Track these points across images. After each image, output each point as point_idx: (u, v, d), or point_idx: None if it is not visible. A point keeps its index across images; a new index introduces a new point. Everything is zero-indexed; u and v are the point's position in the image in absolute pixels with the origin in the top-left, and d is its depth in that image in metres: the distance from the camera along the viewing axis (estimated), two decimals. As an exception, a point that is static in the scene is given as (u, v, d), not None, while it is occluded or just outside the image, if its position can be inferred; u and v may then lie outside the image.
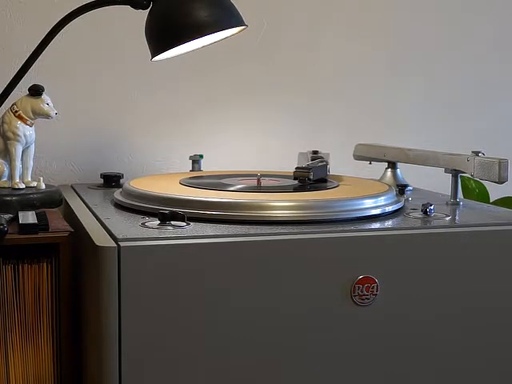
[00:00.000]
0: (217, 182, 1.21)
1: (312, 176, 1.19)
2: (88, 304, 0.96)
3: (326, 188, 1.19)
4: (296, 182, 1.20)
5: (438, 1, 1.71)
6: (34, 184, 1.21)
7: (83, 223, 1.02)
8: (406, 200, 1.22)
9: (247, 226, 0.98)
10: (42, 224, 1.01)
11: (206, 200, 1.04)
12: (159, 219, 0.97)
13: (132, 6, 1.09)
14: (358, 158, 1.49)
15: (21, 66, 1.11)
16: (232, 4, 1.08)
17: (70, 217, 1.14)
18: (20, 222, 1.01)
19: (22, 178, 1.20)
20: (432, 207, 1.09)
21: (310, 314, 0.96)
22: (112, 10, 1.14)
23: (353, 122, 1.66)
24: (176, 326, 0.91)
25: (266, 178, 1.25)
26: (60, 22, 1.09)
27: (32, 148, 1.21)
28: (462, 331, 1.03)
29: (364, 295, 0.97)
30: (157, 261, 0.89)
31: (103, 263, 0.88)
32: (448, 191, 1.25)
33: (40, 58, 1.11)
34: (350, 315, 0.97)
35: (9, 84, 1.11)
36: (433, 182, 1.47)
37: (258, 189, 1.17)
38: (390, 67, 1.69)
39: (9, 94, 1.12)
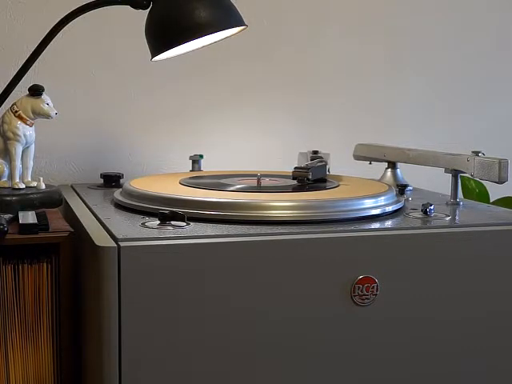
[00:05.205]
0: (217, 181, 1.21)
1: (311, 176, 1.19)
2: (88, 304, 0.96)
3: (325, 188, 1.19)
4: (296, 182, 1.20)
5: (439, 1, 1.71)
6: (34, 184, 1.21)
7: (83, 223, 1.02)
8: (406, 200, 1.22)
9: (247, 226, 0.98)
10: (42, 224, 1.01)
11: (205, 200, 1.03)
12: (159, 219, 0.97)
13: (132, 6, 1.09)
14: (358, 158, 1.49)
15: (21, 66, 1.11)
16: (232, 4, 1.09)
17: (70, 217, 1.14)
18: (20, 222, 1.01)
19: (22, 178, 1.20)
20: (432, 207, 1.09)
21: (310, 314, 0.96)
22: (112, 10, 1.14)
23: (353, 122, 1.66)
24: (176, 326, 0.91)
25: (266, 178, 1.25)
26: (60, 21, 1.09)
27: (32, 148, 1.21)
28: (461, 331, 1.03)
29: (364, 295, 0.97)
30: (157, 261, 0.89)
31: (103, 263, 0.88)
32: (448, 191, 1.25)
33: (40, 57, 1.11)
34: (350, 315, 0.97)
35: (9, 84, 1.11)
36: (433, 182, 1.47)
37: (258, 189, 1.17)
38: (390, 67, 1.69)
39: (9, 94, 1.12)
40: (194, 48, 1.13)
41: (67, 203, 1.21)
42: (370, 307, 0.98)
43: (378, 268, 0.98)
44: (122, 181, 1.36)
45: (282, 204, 1.03)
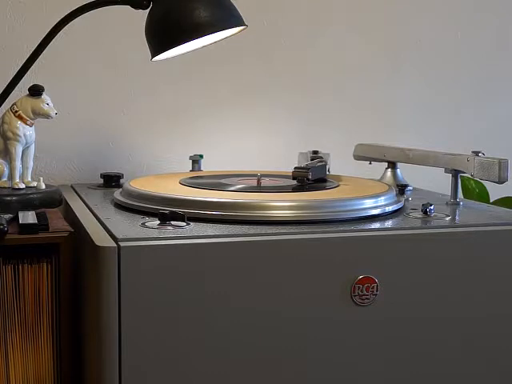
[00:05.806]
0: (217, 181, 1.21)
1: (310, 176, 1.19)
2: (88, 304, 0.96)
3: (325, 188, 1.19)
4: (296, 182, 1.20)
5: (439, 1, 1.71)
6: (34, 184, 1.21)
7: (83, 223, 1.02)
8: (406, 200, 1.22)
9: (247, 226, 0.98)
10: (42, 224, 1.01)
11: (205, 200, 1.03)
12: (159, 219, 0.97)
13: (132, 6, 1.09)
14: (358, 158, 1.49)
15: (21, 66, 1.11)
16: (232, 4, 1.09)
17: (70, 217, 1.14)
18: (20, 222, 1.01)
19: (22, 177, 1.20)
20: (432, 207, 1.09)
21: (310, 314, 0.96)
22: (112, 10, 1.14)
23: (353, 122, 1.66)
24: (176, 326, 0.91)
25: (266, 178, 1.25)
26: (60, 21, 1.09)
27: (32, 148, 1.21)
28: (461, 331, 1.03)
29: (364, 295, 0.97)
30: (157, 261, 0.89)
31: (103, 263, 0.88)
32: (448, 191, 1.25)
33: (40, 57, 1.11)
34: (350, 315, 0.97)
35: (9, 84, 1.11)
36: (433, 182, 1.47)
37: (258, 189, 1.17)
38: (390, 67, 1.69)
39: (9, 94, 1.12)
40: (194, 48, 1.13)
41: (67, 203, 1.21)
42: (370, 307, 0.98)
43: (378, 268, 0.98)
44: (121, 181, 1.36)
45: (282, 204, 1.03)
